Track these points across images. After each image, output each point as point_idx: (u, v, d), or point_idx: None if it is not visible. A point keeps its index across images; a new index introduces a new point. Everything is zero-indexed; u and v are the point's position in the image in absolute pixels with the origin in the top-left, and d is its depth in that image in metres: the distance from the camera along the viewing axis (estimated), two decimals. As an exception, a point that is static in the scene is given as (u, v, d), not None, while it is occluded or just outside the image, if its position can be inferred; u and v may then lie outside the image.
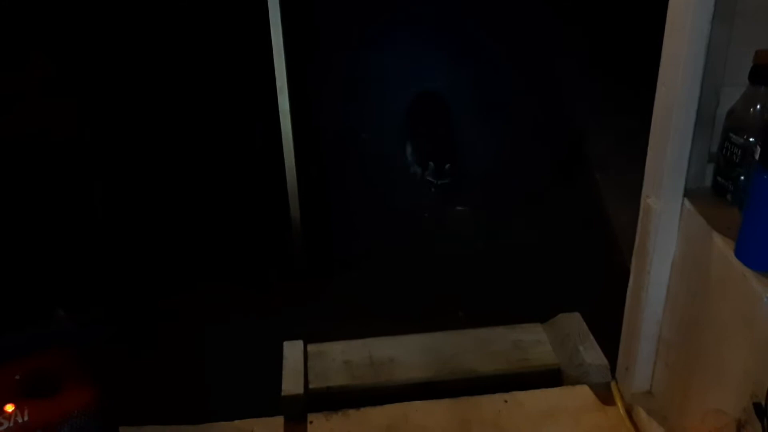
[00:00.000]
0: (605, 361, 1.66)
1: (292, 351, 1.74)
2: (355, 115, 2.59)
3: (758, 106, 1.21)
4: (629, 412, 1.55)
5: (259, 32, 2.08)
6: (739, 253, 1.15)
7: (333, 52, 2.52)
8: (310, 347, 1.78)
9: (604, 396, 1.62)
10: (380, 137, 2.60)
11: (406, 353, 1.80)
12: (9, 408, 1.15)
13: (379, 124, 2.60)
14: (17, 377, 1.19)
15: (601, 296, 1.80)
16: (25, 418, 1.15)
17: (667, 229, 1.35)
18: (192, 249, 2.20)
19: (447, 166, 2.38)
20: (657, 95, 1.32)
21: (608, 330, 1.65)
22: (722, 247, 1.20)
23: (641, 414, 1.51)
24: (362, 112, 2.59)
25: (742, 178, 1.25)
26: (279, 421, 1.59)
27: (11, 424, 1.14)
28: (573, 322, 1.81)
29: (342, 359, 1.77)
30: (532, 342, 1.81)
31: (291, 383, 1.64)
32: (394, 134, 2.61)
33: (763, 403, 1.11)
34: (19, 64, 2.05)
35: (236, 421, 1.59)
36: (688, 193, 1.33)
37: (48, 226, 2.05)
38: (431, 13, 2.58)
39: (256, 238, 2.30)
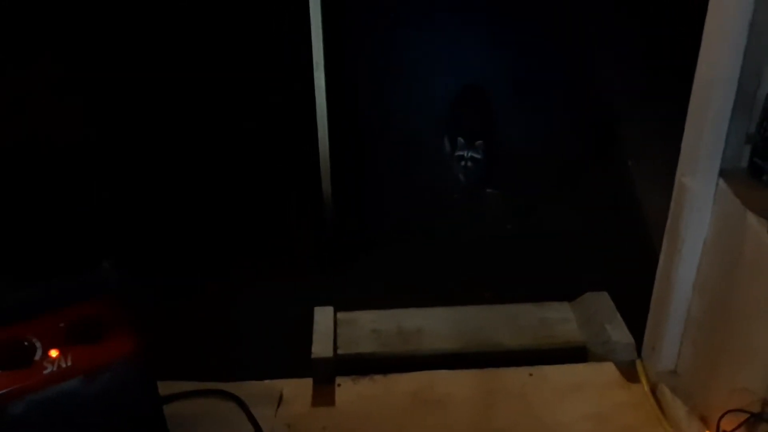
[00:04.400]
0: (631, 340, 1.68)
1: (323, 316, 1.78)
2: (391, 95, 2.61)
3: (799, 87, 1.21)
4: (653, 390, 1.57)
5: (297, 8, 2.10)
6: (772, 233, 1.16)
7: (371, 30, 2.53)
8: (340, 315, 1.82)
9: (629, 374, 1.64)
10: (415, 118, 2.61)
11: (434, 325, 1.82)
12: (54, 353, 1.20)
13: (414, 106, 2.62)
14: (62, 324, 1.24)
15: (629, 277, 1.81)
16: (69, 363, 1.19)
17: (701, 208, 1.36)
18: (229, 217, 2.25)
19: (478, 142, 2.38)
20: (697, 74, 1.32)
21: (636, 310, 1.67)
22: (756, 227, 1.21)
23: (665, 392, 1.52)
24: (398, 93, 2.61)
25: (780, 160, 1.26)
26: (308, 382, 1.63)
27: (55, 368, 1.19)
28: (600, 300, 1.82)
29: (371, 328, 1.80)
30: (558, 319, 1.83)
31: (321, 347, 1.68)
32: (429, 116, 2.62)
33: (789, 381, 1.12)
34: (28, 66, 2.09)
35: (267, 381, 1.63)
36: (723, 173, 1.33)
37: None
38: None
39: (290, 210, 2.33)
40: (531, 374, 1.65)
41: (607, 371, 1.65)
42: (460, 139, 2.38)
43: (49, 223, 2.03)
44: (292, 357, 1.69)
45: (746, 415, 1.21)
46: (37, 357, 1.19)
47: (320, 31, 2.15)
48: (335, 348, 1.70)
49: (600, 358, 1.71)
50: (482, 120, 2.52)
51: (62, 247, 1.95)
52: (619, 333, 1.70)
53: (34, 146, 2.09)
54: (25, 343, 1.20)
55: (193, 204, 2.25)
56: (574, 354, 1.75)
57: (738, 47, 1.23)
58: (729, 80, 1.26)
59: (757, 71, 1.27)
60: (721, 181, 1.33)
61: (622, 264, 1.98)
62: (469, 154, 2.36)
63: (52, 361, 1.19)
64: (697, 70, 1.32)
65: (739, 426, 1.22)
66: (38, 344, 1.20)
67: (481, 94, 2.60)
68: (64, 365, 1.19)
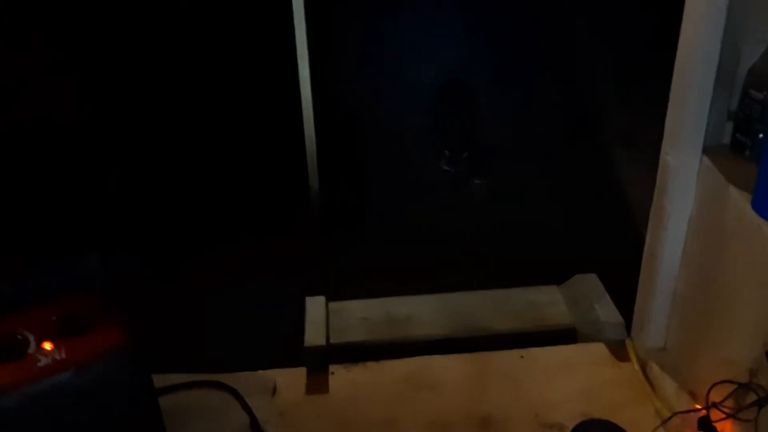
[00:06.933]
0: (620, 319, 1.69)
1: (314, 306, 1.79)
2: (378, 85, 2.61)
3: (779, 62, 1.23)
4: (643, 368, 1.59)
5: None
6: (755, 206, 1.18)
7: (355, 21, 2.54)
8: (332, 305, 1.83)
9: (619, 353, 1.65)
10: (403, 109, 2.62)
11: (423, 311, 1.84)
12: (47, 346, 1.20)
13: (402, 96, 2.62)
14: (54, 317, 1.24)
15: (618, 258, 1.83)
16: (62, 356, 1.19)
17: (685, 185, 1.38)
18: (219, 209, 2.25)
19: (465, 154, 2.40)
20: (678, 53, 1.34)
21: (624, 290, 1.68)
22: (738, 200, 1.23)
23: (654, 369, 1.54)
24: (385, 83, 2.61)
25: (761, 135, 1.27)
26: (301, 371, 1.64)
27: (49, 361, 1.19)
28: (589, 282, 1.84)
29: (361, 316, 1.82)
30: (547, 302, 1.85)
31: (313, 335, 1.69)
32: (417, 107, 2.63)
33: (775, 350, 1.14)
34: (23, 48, 2.09)
35: (260, 371, 1.64)
36: (706, 150, 1.35)
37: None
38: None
39: (279, 203, 2.34)
40: (522, 356, 1.67)
41: (596, 351, 1.67)
42: (446, 152, 2.40)
43: (34, 210, 2.02)
44: (285, 347, 1.70)
45: (734, 386, 1.23)
46: (31, 350, 1.19)
47: (303, 22, 2.15)
48: (327, 337, 1.71)
49: (590, 339, 1.72)
50: (468, 121, 2.53)
51: (50, 235, 1.95)
52: (608, 313, 1.72)
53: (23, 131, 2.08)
54: (19, 337, 1.20)
55: (181, 195, 2.25)
56: (564, 336, 1.77)
57: (717, 25, 1.25)
58: (709, 58, 1.28)
59: (737, 48, 1.28)
60: (705, 158, 1.35)
61: (610, 246, 2.00)
62: (456, 169, 2.39)
63: (46, 353, 1.19)
64: (678, 49, 1.34)
65: (727, 397, 1.24)
66: (31, 337, 1.20)
67: (465, 89, 2.61)
68: (58, 357, 1.19)
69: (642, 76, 2.15)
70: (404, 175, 2.48)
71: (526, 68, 2.63)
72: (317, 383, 1.62)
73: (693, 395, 1.43)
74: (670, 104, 1.38)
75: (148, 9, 2.23)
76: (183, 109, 2.33)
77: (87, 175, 2.18)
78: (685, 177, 1.37)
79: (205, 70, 2.32)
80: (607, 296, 1.77)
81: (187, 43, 2.30)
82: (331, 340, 1.72)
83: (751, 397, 1.20)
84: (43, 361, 1.18)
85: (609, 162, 2.34)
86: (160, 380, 1.45)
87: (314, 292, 1.84)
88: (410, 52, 2.63)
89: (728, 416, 1.22)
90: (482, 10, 2.63)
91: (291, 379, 1.62)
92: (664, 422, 1.42)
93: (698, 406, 1.35)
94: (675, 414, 1.39)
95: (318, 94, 2.27)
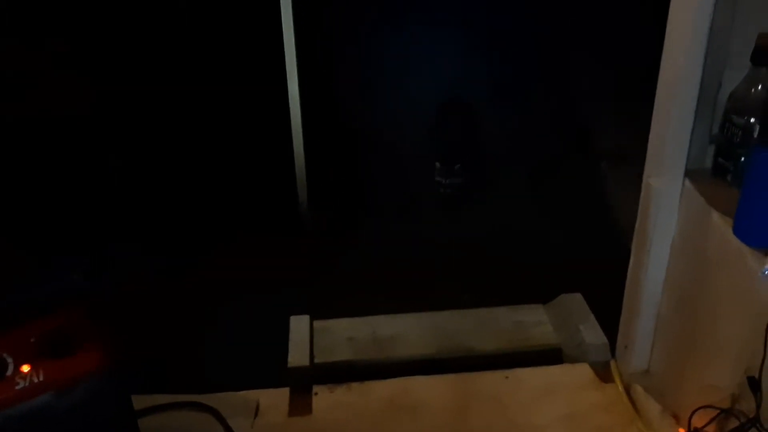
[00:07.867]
0: (605, 340, 1.69)
1: (298, 325, 1.78)
2: (368, 101, 2.60)
3: (760, 87, 1.23)
4: (627, 390, 1.58)
5: (270, 16, 2.11)
6: (736, 230, 1.18)
7: (346, 38, 2.54)
8: (316, 324, 1.82)
9: (603, 374, 1.65)
10: (394, 125, 2.61)
11: (409, 331, 1.83)
12: (25, 368, 1.18)
13: (393, 113, 2.62)
14: (32, 339, 1.23)
15: (603, 278, 1.83)
16: (41, 378, 1.18)
17: (668, 208, 1.38)
18: (203, 230, 2.24)
19: (457, 166, 2.40)
20: (660, 77, 1.34)
21: (610, 311, 1.68)
22: (720, 225, 1.23)
23: (638, 391, 1.54)
24: (377, 99, 2.61)
25: (743, 159, 1.28)
26: (285, 392, 1.63)
27: (27, 384, 1.17)
28: (574, 302, 1.84)
29: (346, 336, 1.81)
30: (533, 322, 1.84)
31: (297, 355, 1.68)
32: (408, 123, 2.63)
33: (756, 376, 1.14)
34: (34, 43, 2.09)
35: (242, 392, 1.62)
36: (688, 174, 1.35)
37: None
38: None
39: (267, 221, 2.33)
40: (506, 377, 1.67)
41: (581, 372, 1.67)
42: (438, 164, 2.40)
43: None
44: (268, 367, 1.69)
45: (716, 411, 1.23)
46: (9, 372, 1.17)
47: (293, 40, 2.16)
48: (311, 357, 1.70)
49: (574, 360, 1.72)
50: (462, 135, 2.53)
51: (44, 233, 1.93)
52: (592, 334, 1.72)
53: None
54: (-3, 359, 1.19)
55: (163, 212, 2.24)
56: (549, 356, 1.76)
57: (699, 50, 1.25)
58: (691, 83, 1.28)
59: (718, 73, 1.29)
60: (687, 182, 1.35)
61: (596, 266, 1.99)
62: (447, 181, 2.39)
63: (24, 376, 1.18)
64: (660, 73, 1.34)
65: (709, 422, 1.24)
66: (9, 359, 1.19)
67: (459, 103, 2.60)
68: (36, 380, 1.18)
69: (633, 95, 2.16)
70: (396, 189, 2.48)
71: (523, 84, 2.63)
72: (300, 404, 1.61)
73: (677, 419, 1.43)
74: (652, 127, 1.39)
75: (148, 7, 2.22)
76: (161, 126, 2.32)
77: (83, 178, 2.17)
78: (667, 200, 1.37)
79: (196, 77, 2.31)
80: (592, 317, 1.77)
81: (187, 42, 2.29)
82: (316, 360, 1.71)
83: (733, 423, 1.20)
84: (21, 384, 1.17)
85: (600, 179, 2.34)
86: (141, 401, 1.44)
87: (301, 309, 1.83)
88: (405, 65, 2.63)
89: (710, 441, 1.22)
90: (478, 23, 2.63)
91: (274, 400, 1.61)
92: (648, 446, 1.42)
93: (682, 431, 1.35)
94: (658, 438, 1.39)
95: (307, 107, 2.26)
